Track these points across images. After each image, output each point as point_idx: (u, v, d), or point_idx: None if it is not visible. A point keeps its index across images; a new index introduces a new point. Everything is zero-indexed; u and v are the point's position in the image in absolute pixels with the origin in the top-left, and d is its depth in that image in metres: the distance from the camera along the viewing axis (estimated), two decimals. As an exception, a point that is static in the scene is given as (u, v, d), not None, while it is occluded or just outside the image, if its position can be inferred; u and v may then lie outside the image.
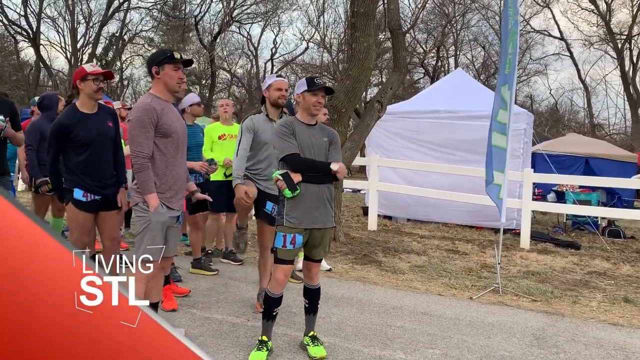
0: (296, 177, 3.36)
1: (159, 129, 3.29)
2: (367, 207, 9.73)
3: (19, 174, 11.06)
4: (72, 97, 4.00)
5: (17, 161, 9.30)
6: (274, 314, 3.50)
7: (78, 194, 3.87)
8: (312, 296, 3.59)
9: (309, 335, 3.57)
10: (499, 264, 5.60)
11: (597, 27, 30.64)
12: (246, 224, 4.54)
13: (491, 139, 5.55)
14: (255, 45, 35.14)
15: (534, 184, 9.32)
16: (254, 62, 35.17)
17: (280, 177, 3.36)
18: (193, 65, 33.27)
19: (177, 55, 3.35)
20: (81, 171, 3.88)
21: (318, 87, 3.46)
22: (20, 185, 10.92)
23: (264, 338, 3.46)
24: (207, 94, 31.46)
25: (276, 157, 3.53)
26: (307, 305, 3.61)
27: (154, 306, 3.67)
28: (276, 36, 45.03)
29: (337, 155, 3.54)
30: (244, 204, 4.16)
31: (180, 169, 3.47)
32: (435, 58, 31.43)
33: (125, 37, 30.56)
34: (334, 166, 3.41)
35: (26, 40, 29.51)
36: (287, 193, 3.34)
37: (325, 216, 3.47)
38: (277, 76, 4.55)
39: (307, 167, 3.39)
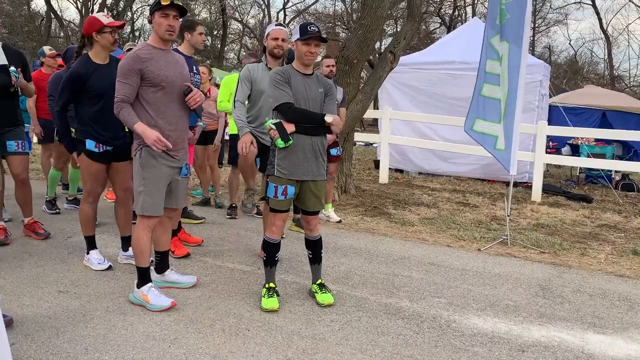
0: (290, 127, 3.32)
1: (145, 78, 3.28)
2: (379, 160, 9.73)
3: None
4: (82, 48, 3.99)
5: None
6: (276, 259, 3.56)
7: (90, 144, 3.92)
8: (314, 247, 3.63)
9: (317, 283, 3.65)
10: (508, 216, 5.63)
11: (622, -27, 29.46)
12: (254, 185, 4.38)
13: (481, 89, 5.51)
14: (267, -6, 34.35)
15: (548, 136, 9.22)
16: (266, 12, 34.54)
17: (274, 127, 3.32)
18: (204, 16, 32.84)
19: (164, 2, 3.29)
20: (94, 122, 3.91)
21: (309, 36, 3.33)
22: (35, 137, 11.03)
23: (271, 285, 3.54)
24: (219, 45, 31.08)
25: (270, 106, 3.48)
26: (310, 256, 3.67)
27: (162, 255, 3.77)
28: (288, -16, 43.93)
29: (332, 107, 3.48)
30: (243, 152, 3.99)
31: (176, 118, 3.42)
32: (451, 7, 30.52)
33: (136, -14, 30.04)
34: (329, 118, 3.37)
35: (36, -11, 29.16)
36: (280, 143, 3.31)
37: (316, 168, 3.46)
38: (276, 24, 4.39)
39: (301, 117, 3.35)
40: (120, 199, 4.17)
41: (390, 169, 9.60)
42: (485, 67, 5.48)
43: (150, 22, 3.41)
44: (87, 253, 4.20)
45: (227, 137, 6.54)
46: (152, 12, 3.37)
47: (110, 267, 4.11)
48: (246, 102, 4.26)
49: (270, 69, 4.20)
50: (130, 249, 4.26)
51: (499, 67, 5.43)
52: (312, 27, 3.37)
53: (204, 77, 6.32)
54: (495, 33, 5.48)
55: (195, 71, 4.66)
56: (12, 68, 4.57)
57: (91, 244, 4.20)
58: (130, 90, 3.27)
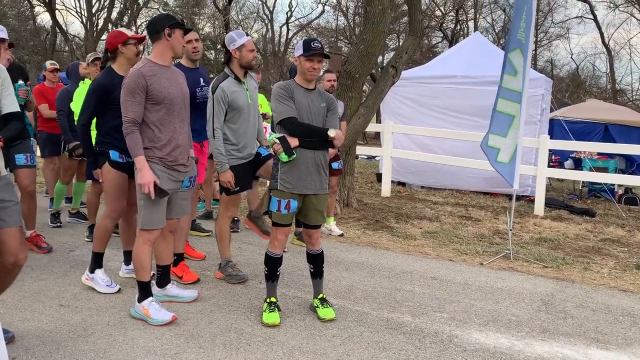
0: (293, 142, 3.35)
1: (149, 95, 3.30)
2: (381, 173, 9.73)
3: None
4: (106, 62, 4.03)
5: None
6: (278, 273, 3.55)
7: (114, 155, 3.85)
8: (316, 261, 3.63)
9: (318, 297, 3.64)
10: (510, 230, 5.61)
11: (623, -12, 29.64)
12: (260, 213, 4.16)
13: (497, 104, 5.49)
14: (270, 8, 34.72)
15: (550, 150, 9.21)
16: (269, 27, 34.79)
17: (278, 141, 3.34)
18: (208, 30, 33.09)
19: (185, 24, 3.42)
20: (118, 132, 3.76)
21: (313, 53, 3.36)
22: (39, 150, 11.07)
23: (272, 299, 3.53)
24: (222, 59, 31.24)
25: (273, 120, 3.49)
26: (312, 270, 3.66)
27: (164, 269, 3.76)
28: (292, -1, 44.30)
29: (334, 122, 3.51)
30: (230, 187, 4.02)
31: (178, 134, 3.43)
32: (454, 21, 30.73)
33: (140, 0, 30.32)
34: (332, 132, 3.39)
35: (42, 4, 29.44)
36: (283, 157, 3.34)
37: (319, 182, 3.47)
38: (246, 34, 4.19)
39: (304, 131, 3.37)
40: (126, 213, 4.13)
41: (392, 182, 9.61)
42: (502, 82, 5.45)
43: (169, 35, 3.38)
44: (92, 272, 3.98)
45: None
46: (172, 26, 3.36)
47: (119, 291, 3.94)
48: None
49: (240, 81, 4.11)
50: (132, 263, 4.23)
51: (516, 82, 5.37)
52: (315, 44, 3.40)
53: None
54: (515, 47, 5.42)
55: (204, 83, 4.56)
56: (21, 82, 4.66)
57: (98, 261, 3.99)
58: (140, 109, 3.29)
